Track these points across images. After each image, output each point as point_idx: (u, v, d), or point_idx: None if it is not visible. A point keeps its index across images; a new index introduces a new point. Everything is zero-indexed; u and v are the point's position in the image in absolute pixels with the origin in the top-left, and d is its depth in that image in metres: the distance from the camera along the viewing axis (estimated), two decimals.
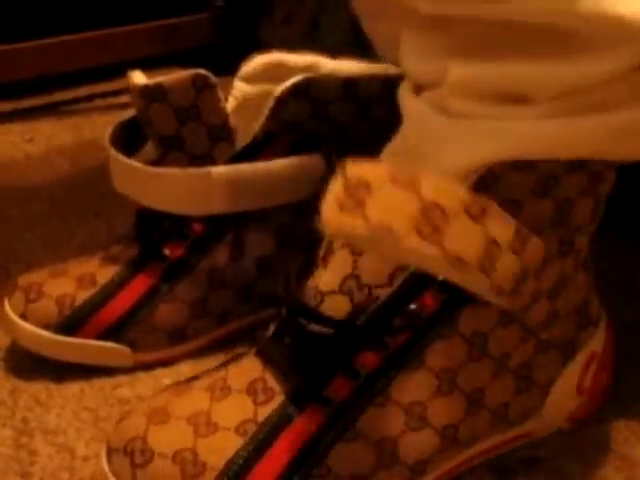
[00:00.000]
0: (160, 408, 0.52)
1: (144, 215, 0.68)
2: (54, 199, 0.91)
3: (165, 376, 0.66)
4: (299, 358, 0.52)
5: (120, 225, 0.84)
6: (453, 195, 0.46)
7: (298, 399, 0.51)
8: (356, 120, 0.69)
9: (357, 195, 0.45)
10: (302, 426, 0.50)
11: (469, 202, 0.46)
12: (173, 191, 0.65)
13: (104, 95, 1.14)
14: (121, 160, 0.66)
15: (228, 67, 1.22)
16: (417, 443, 0.51)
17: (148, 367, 0.67)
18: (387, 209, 0.45)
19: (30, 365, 0.67)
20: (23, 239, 0.84)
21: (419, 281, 0.50)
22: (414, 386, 0.51)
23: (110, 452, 0.52)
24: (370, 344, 0.51)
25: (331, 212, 0.46)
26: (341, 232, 0.46)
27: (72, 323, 0.65)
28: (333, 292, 0.51)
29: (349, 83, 0.67)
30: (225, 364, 0.55)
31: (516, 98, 0.49)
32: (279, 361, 0.52)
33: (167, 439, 0.50)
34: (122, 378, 0.66)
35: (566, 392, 0.58)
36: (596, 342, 0.59)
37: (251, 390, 0.52)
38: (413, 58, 0.52)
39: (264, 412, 0.51)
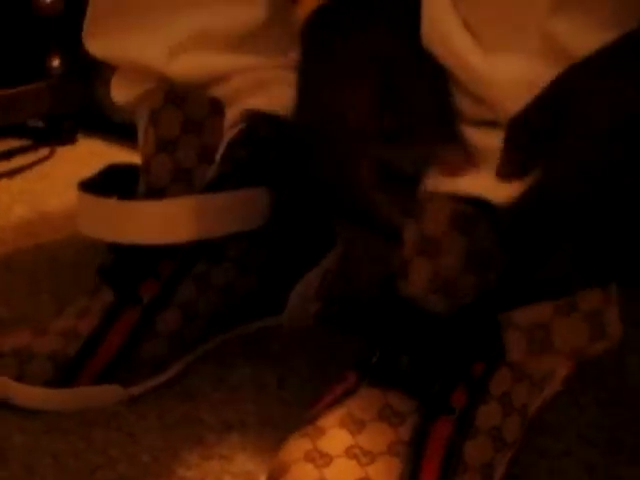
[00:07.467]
0: (315, 451, 0.57)
1: (116, 256, 0.72)
2: None
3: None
4: (421, 378, 0.59)
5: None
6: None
7: (430, 413, 0.59)
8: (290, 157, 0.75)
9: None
10: (439, 435, 0.58)
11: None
12: (146, 222, 0.71)
13: None
14: (92, 199, 0.72)
15: (68, 135, 1.17)
16: (511, 427, 0.61)
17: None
18: None
19: None
20: None
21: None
22: (500, 381, 0.60)
23: None
24: (481, 354, 0.60)
25: None
26: None
27: (68, 376, 0.69)
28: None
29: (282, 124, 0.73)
30: (338, 401, 0.60)
31: None
32: (397, 384, 0.59)
33: (341, 477, 0.56)
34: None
35: None
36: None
37: (383, 417, 0.58)
38: None
39: (405, 432, 0.58)
